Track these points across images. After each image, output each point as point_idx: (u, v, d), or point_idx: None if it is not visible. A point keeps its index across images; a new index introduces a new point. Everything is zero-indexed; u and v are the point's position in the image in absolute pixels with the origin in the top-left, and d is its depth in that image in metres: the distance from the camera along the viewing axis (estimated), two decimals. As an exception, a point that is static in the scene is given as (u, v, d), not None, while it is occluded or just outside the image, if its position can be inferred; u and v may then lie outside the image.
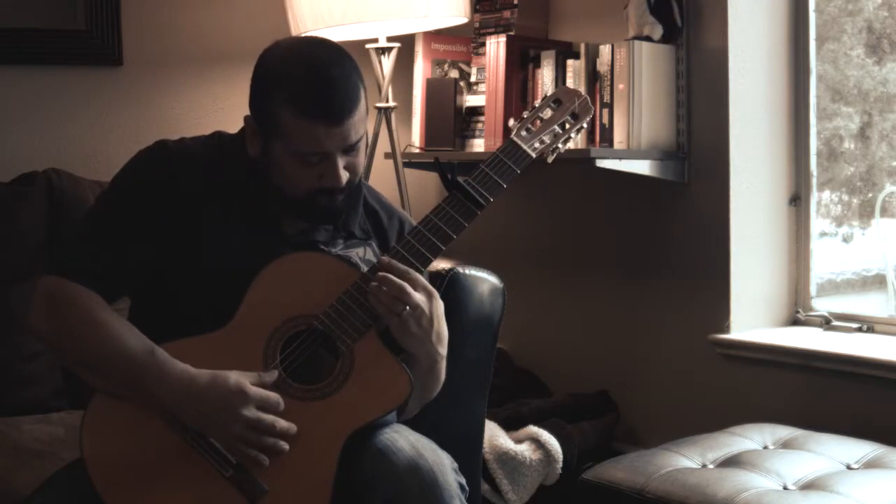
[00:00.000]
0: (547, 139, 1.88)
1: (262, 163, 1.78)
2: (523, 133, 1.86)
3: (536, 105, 1.91)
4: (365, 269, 1.77)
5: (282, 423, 1.66)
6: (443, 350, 1.79)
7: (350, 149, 1.74)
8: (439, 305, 1.76)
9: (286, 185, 1.76)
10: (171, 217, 1.75)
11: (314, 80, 1.71)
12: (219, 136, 1.87)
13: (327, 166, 1.73)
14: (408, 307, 1.70)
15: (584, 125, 1.92)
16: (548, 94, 1.93)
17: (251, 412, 1.64)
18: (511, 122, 1.95)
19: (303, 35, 1.81)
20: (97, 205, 1.82)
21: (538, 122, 1.88)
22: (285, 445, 1.67)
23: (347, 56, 1.76)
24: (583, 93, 1.94)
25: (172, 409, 1.65)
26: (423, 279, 1.75)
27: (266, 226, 1.80)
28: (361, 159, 1.79)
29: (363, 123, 1.75)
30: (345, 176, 1.74)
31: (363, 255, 1.86)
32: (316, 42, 1.80)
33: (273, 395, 1.66)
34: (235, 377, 1.66)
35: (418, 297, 1.71)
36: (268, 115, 1.73)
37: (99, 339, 1.67)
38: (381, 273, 1.72)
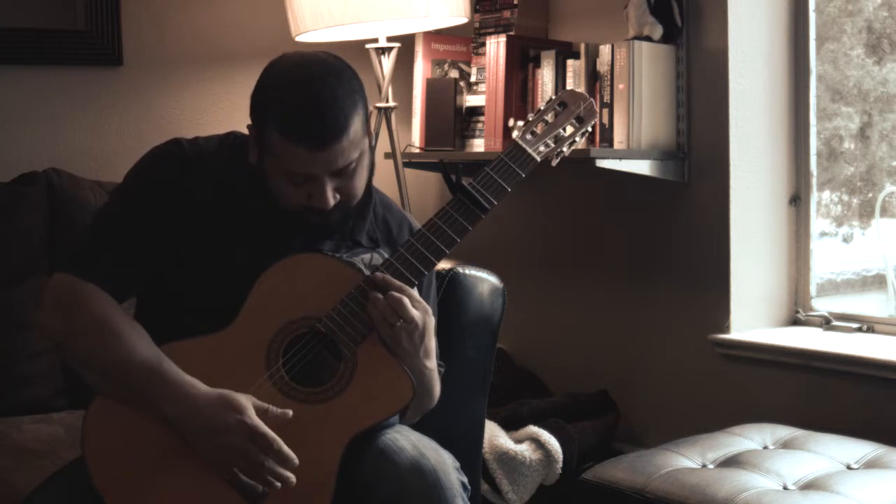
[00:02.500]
0: (552, 142, 1.87)
1: (259, 172, 1.76)
2: (528, 136, 1.85)
3: (541, 108, 1.89)
4: (369, 273, 1.77)
5: (278, 470, 1.63)
6: (430, 364, 1.78)
7: (339, 173, 1.71)
8: (431, 321, 1.76)
9: (279, 198, 1.74)
10: (179, 216, 1.74)
11: (301, 102, 1.67)
12: (233, 138, 1.85)
13: (315, 188, 1.70)
14: (402, 320, 1.70)
15: (589, 129, 1.91)
16: (553, 97, 1.92)
17: (248, 444, 1.61)
18: (511, 121, 1.94)
19: (311, 51, 1.76)
20: (109, 203, 1.82)
21: (543, 125, 1.87)
22: (277, 484, 1.63)
23: (348, 76, 1.72)
24: (588, 96, 1.93)
25: (173, 421, 1.64)
26: (418, 295, 1.74)
27: (273, 230, 1.79)
28: (357, 181, 1.75)
29: (356, 147, 1.70)
30: (333, 199, 1.71)
31: (369, 260, 1.85)
32: (317, 60, 1.73)
33: (271, 435, 1.61)
34: (242, 401, 1.63)
35: (414, 311, 1.71)
36: (259, 130, 1.71)
37: (106, 343, 1.66)
38: (381, 282, 1.71)
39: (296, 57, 1.76)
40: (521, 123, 1.88)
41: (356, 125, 1.69)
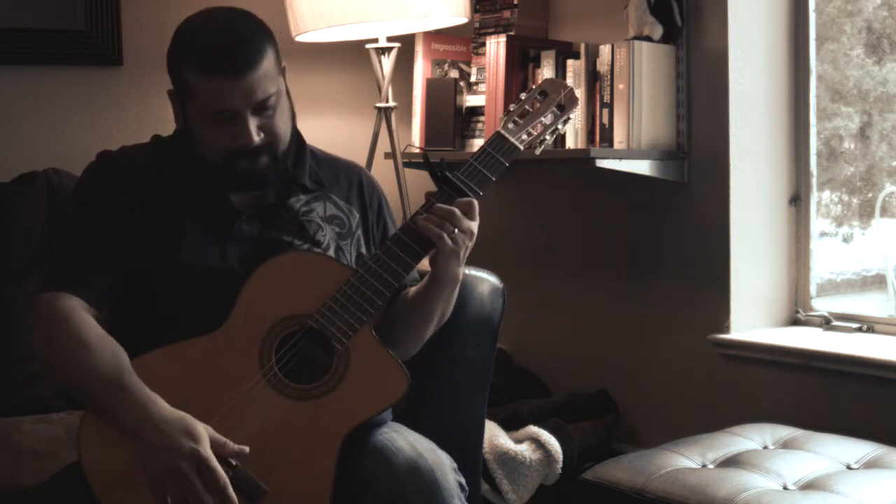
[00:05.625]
0: (534, 131, 1.90)
1: (186, 135, 1.81)
2: (510, 126, 1.88)
3: (522, 97, 1.92)
4: (326, 230, 1.84)
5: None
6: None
7: (260, 108, 1.75)
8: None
9: (205, 151, 1.79)
10: (130, 216, 1.78)
11: (212, 36, 1.75)
12: (157, 138, 1.92)
13: (238, 125, 1.74)
14: (457, 229, 1.76)
15: (571, 116, 1.95)
16: (533, 87, 1.94)
17: (193, 474, 1.59)
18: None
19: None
20: (67, 221, 1.87)
21: (524, 114, 1.90)
22: None
23: (255, 20, 1.80)
24: (568, 84, 1.95)
25: (130, 432, 1.62)
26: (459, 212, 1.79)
27: (217, 206, 1.82)
28: (279, 121, 1.79)
29: (273, 82, 1.76)
30: (257, 136, 1.75)
31: (324, 212, 1.89)
32: (222, 8, 1.83)
33: (220, 473, 1.59)
34: (200, 430, 1.61)
35: (466, 220, 1.77)
36: (178, 80, 1.78)
37: (74, 358, 1.67)
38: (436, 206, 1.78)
39: (200, 11, 1.84)
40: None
41: (269, 59, 1.75)
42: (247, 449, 1.64)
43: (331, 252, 1.87)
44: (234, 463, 1.65)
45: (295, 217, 1.86)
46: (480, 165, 1.83)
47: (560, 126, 1.93)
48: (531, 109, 1.90)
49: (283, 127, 1.81)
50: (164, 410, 1.62)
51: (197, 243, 1.79)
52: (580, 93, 2.75)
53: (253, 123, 1.75)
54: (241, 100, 1.73)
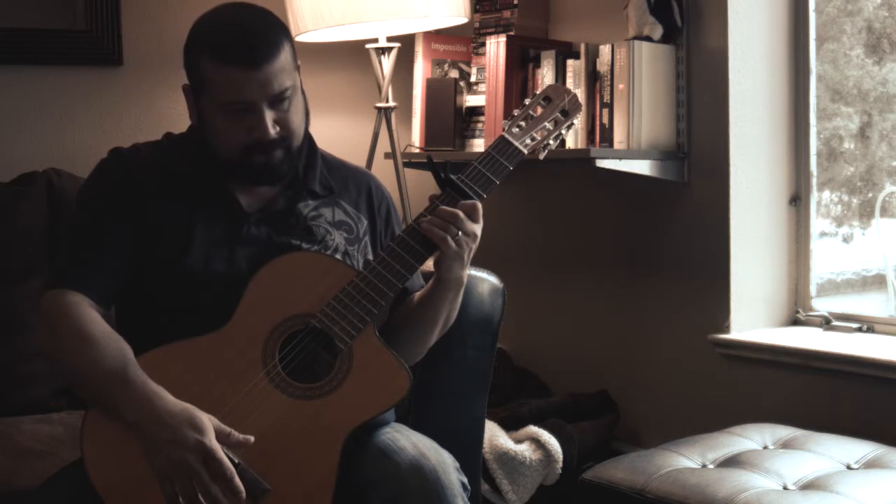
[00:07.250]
0: (538, 136, 1.90)
1: (200, 130, 1.81)
2: (514, 130, 1.89)
3: (526, 103, 1.93)
4: (335, 234, 1.83)
5: (221, 500, 1.60)
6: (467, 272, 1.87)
7: (276, 101, 1.75)
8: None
9: (220, 146, 1.78)
10: (137, 216, 1.78)
11: (230, 28, 1.76)
12: (168, 134, 1.92)
13: (254, 119, 1.74)
14: (461, 232, 1.76)
15: (575, 122, 1.95)
16: (537, 93, 1.95)
17: (199, 466, 1.59)
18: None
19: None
20: (74, 217, 1.85)
21: (528, 119, 1.91)
22: None
23: (271, 15, 1.80)
24: (572, 90, 1.96)
25: (134, 426, 1.62)
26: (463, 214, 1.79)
27: (226, 208, 1.82)
28: (294, 116, 1.79)
29: (289, 76, 1.76)
30: (273, 129, 1.75)
31: (332, 217, 1.88)
32: (239, 3, 1.83)
33: (226, 463, 1.59)
34: (205, 421, 1.61)
35: (470, 223, 1.77)
36: (194, 72, 1.77)
37: (79, 353, 1.68)
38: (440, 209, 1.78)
39: (218, 6, 1.84)
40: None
41: (286, 52, 1.76)
42: (251, 438, 1.64)
43: (338, 256, 1.86)
44: (236, 461, 1.65)
45: (303, 222, 1.86)
46: (485, 169, 1.83)
47: (563, 131, 1.94)
48: (535, 114, 1.91)
49: (297, 122, 1.81)
50: (168, 403, 1.63)
51: (204, 245, 1.79)
52: (580, 93, 2.76)
53: (269, 116, 1.75)
54: (258, 91, 1.73)
